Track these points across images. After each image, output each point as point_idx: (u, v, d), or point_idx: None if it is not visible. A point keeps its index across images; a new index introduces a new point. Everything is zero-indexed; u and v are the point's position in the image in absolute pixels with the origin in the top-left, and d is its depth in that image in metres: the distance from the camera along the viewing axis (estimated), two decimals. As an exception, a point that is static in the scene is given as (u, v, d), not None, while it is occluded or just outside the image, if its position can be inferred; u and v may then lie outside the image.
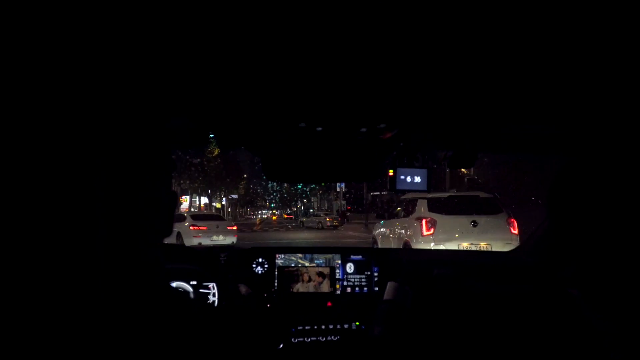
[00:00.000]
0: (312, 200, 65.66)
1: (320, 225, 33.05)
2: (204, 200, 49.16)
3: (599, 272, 0.71)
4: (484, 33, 0.81)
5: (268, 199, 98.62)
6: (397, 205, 10.99)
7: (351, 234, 24.45)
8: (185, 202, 40.81)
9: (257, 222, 39.58)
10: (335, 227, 31.82)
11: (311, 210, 58.82)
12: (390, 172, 1.77)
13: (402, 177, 1.80)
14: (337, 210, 45.34)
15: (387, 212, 11.64)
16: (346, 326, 2.12)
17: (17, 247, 0.56)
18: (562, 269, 2.04)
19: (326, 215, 38.64)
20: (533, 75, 1.00)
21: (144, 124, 0.73)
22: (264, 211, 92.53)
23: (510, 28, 0.78)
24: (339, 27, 0.78)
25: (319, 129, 1.33)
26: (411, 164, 1.79)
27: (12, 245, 0.55)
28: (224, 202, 57.52)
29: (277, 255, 2.32)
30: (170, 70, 0.95)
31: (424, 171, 1.80)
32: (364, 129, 1.36)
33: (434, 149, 1.88)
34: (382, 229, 11.26)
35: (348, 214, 42.84)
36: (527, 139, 1.61)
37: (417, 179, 1.82)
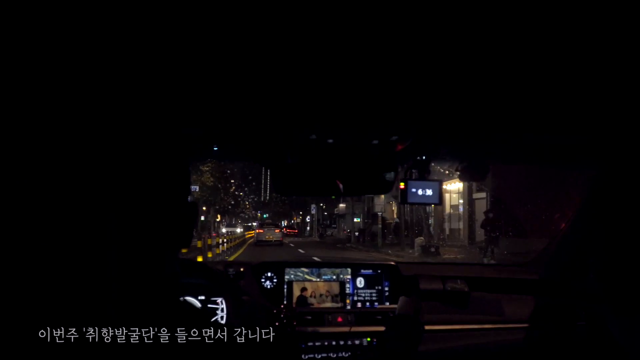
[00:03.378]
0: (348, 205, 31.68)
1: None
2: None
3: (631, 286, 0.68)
4: (499, 42, 0.79)
5: (258, 209, 70.16)
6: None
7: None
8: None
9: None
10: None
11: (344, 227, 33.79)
12: (402, 185, 1.75)
13: (414, 190, 1.77)
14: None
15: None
16: (357, 342, 2.08)
17: (27, 258, 0.55)
18: (579, 284, 2.00)
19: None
20: (550, 83, 0.98)
21: (160, 132, 0.72)
22: (254, 224, 61.97)
23: (528, 36, 0.77)
24: (351, 40, 0.77)
25: (330, 141, 1.31)
26: (422, 177, 1.76)
27: (22, 257, 0.55)
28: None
29: (286, 270, 2.29)
30: (183, 81, 0.95)
31: (436, 184, 1.77)
32: (375, 141, 1.34)
33: (446, 161, 1.85)
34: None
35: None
36: (542, 150, 1.58)
37: (429, 192, 1.79)
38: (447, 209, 21.23)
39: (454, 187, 19.37)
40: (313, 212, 45.23)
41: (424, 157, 1.72)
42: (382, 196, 23.93)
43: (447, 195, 20.19)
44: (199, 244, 13.04)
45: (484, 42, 0.80)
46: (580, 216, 1.91)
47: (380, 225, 23.85)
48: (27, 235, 0.56)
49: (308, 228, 54.13)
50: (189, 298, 2.06)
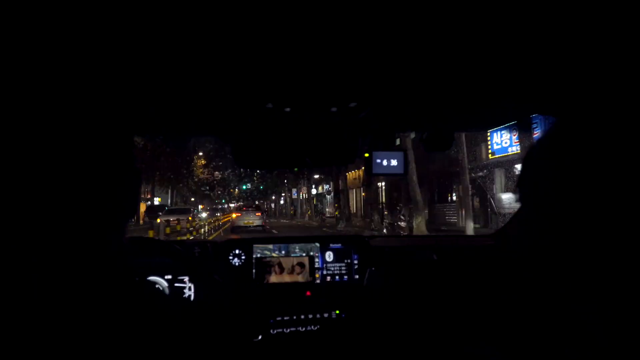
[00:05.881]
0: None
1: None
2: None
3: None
4: (458, 12, 0.77)
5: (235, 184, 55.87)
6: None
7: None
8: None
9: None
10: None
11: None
12: (366, 155, 1.73)
13: (379, 160, 1.76)
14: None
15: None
16: (326, 315, 2.08)
17: None
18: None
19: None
20: (510, 50, 0.96)
21: (100, 100, 0.68)
22: (232, 205, 52.06)
23: (489, 7, 0.74)
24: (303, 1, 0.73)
25: (287, 109, 1.28)
26: (387, 147, 1.75)
27: None
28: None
29: (254, 247, 2.26)
30: (129, 53, 0.89)
31: (401, 154, 1.76)
32: (334, 109, 1.31)
33: (410, 130, 1.84)
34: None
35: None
36: (506, 116, 1.58)
37: (394, 162, 1.77)
38: None
39: None
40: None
41: (388, 127, 1.70)
42: None
43: None
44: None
45: (442, 11, 0.77)
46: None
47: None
48: None
49: (297, 209, 41.98)
50: (155, 278, 2.02)
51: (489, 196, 16.97)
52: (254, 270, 2.22)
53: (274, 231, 21.90)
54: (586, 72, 1.05)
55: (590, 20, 0.83)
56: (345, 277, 2.29)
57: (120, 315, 0.62)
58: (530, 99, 1.33)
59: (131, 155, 0.71)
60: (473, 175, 16.16)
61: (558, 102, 1.26)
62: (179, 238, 13.49)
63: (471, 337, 1.66)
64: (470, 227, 13.48)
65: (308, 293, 2.15)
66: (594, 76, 1.07)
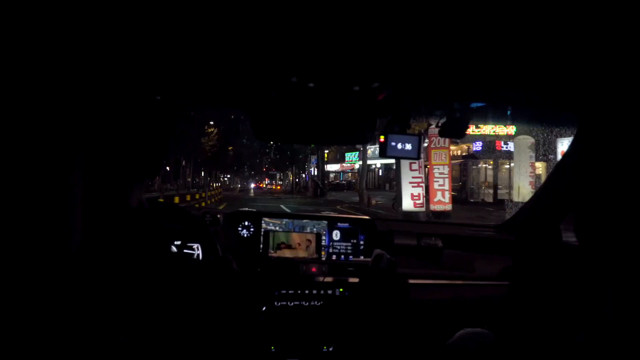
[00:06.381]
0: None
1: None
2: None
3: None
4: None
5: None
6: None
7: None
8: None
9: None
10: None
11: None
12: (382, 138, 1.74)
13: (393, 143, 1.77)
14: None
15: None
16: (330, 292, 2.12)
17: None
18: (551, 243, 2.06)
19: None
20: (533, 34, 0.96)
21: (124, 67, 0.69)
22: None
23: None
24: None
25: (311, 85, 1.29)
26: (403, 131, 1.76)
27: None
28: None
29: (263, 220, 2.30)
30: (156, 19, 0.90)
31: (416, 138, 1.77)
32: (357, 87, 1.32)
33: (427, 115, 1.85)
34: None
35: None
36: (521, 105, 1.58)
37: (408, 146, 1.78)
38: None
39: None
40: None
41: (405, 111, 1.71)
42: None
43: None
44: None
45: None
46: (552, 177, 1.94)
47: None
48: None
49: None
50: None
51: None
52: (261, 243, 2.26)
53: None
54: (608, 68, 1.05)
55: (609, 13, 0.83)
56: (351, 256, 2.32)
57: (136, 266, 0.64)
58: (553, 94, 1.33)
59: (157, 114, 0.72)
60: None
61: (580, 99, 1.26)
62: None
63: (471, 321, 1.69)
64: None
65: (313, 269, 2.18)
66: (618, 72, 1.07)
